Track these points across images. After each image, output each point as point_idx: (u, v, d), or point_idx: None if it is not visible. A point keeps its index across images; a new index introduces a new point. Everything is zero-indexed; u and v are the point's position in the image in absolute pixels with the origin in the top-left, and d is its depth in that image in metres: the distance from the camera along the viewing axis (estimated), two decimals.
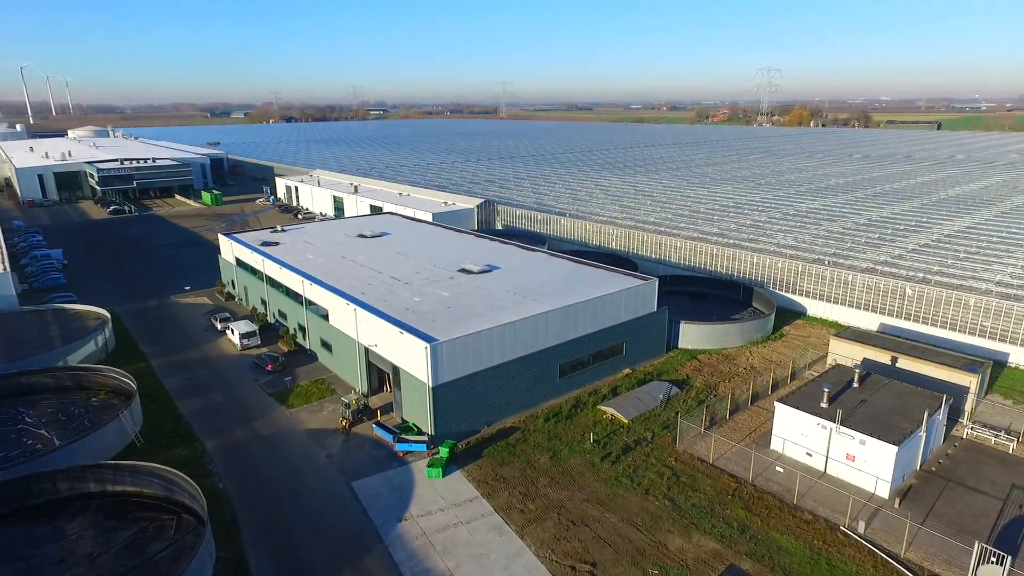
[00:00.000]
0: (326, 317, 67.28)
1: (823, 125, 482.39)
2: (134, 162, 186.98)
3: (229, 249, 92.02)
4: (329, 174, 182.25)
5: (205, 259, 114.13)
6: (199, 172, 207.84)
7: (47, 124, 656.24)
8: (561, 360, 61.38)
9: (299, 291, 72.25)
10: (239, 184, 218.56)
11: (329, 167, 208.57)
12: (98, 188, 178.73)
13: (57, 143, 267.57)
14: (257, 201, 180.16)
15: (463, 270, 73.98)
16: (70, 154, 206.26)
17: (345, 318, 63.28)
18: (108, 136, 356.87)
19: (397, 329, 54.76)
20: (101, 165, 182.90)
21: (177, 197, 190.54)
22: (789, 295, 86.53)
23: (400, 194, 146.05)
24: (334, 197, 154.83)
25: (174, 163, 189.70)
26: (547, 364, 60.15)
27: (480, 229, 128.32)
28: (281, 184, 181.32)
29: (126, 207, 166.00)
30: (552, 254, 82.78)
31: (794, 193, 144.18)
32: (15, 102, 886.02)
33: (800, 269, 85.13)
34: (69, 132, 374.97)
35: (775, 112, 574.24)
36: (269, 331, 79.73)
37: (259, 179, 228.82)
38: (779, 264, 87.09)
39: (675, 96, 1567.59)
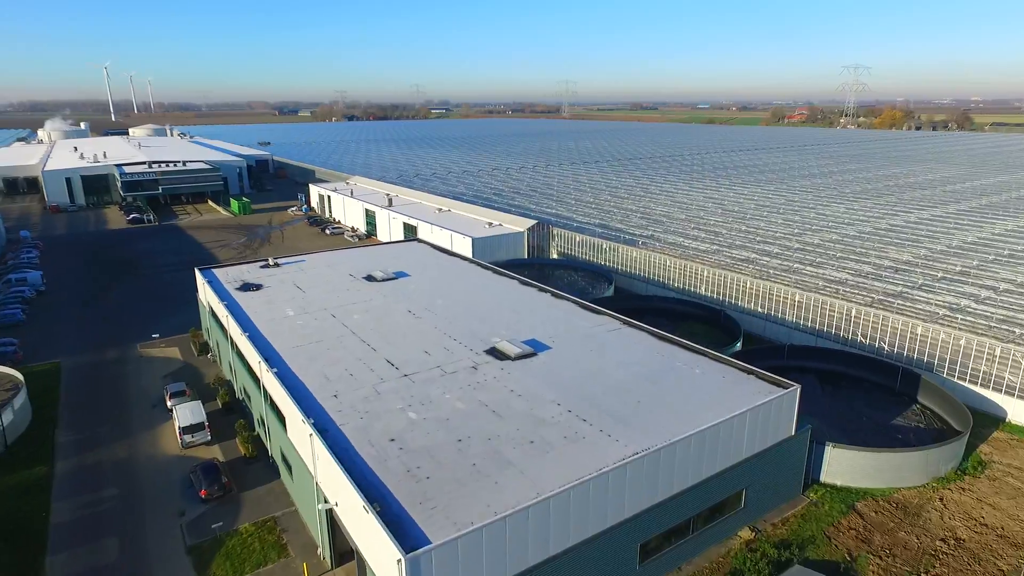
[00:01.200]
0: (284, 425, 44.28)
1: (917, 128, 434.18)
2: (163, 165, 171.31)
3: (203, 290, 70.79)
4: (367, 182, 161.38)
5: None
6: (234, 176, 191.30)
7: (128, 122, 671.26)
8: (644, 535, 36.36)
9: (258, 374, 49.61)
10: (278, 189, 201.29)
11: (371, 172, 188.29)
12: (122, 193, 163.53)
13: (102, 143, 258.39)
14: (289, 210, 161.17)
15: (494, 351, 49.62)
16: (105, 155, 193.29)
17: (302, 440, 40.06)
18: (165, 135, 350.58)
19: (360, 500, 30.88)
20: (128, 168, 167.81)
21: (210, 203, 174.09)
22: (974, 387, 58.31)
23: (440, 210, 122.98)
24: (366, 211, 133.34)
25: (206, 167, 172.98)
26: (620, 546, 35.24)
27: (531, 255, 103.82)
28: (315, 192, 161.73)
29: (146, 216, 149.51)
30: (625, 323, 57.19)
31: (951, 214, 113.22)
32: (100, 100, 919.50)
33: (997, 351, 56.80)
34: (130, 131, 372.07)
35: (860, 113, 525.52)
36: (234, 413, 57.73)
37: (300, 183, 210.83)
38: (961, 340, 58.89)
39: (744, 96, 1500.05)
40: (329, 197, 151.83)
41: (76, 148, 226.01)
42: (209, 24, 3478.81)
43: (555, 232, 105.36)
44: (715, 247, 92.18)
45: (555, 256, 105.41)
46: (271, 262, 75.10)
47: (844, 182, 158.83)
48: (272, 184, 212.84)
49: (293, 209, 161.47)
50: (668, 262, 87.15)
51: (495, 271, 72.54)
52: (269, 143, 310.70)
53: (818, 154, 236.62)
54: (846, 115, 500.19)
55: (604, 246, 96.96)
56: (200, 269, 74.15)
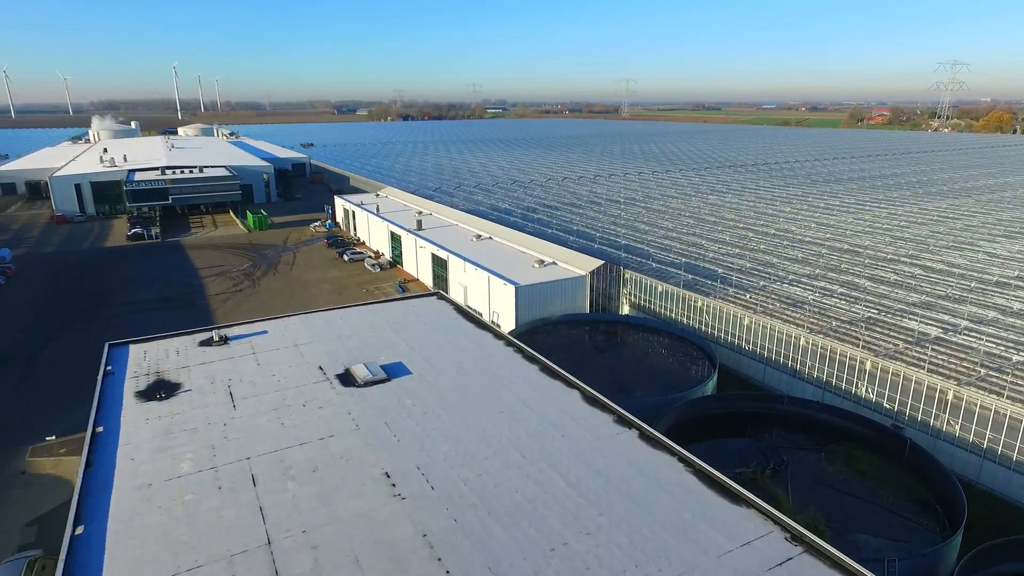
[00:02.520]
0: None
1: None
2: (177, 172, 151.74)
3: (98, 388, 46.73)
4: (399, 195, 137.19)
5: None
6: (259, 183, 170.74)
7: (192, 120, 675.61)
8: None
9: None
10: (308, 197, 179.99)
11: (408, 179, 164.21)
12: (129, 203, 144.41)
13: (136, 144, 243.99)
14: (311, 226, 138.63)
15: None
16: (125, 159, 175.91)
17: None
18: (212, 135, 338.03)
19: None
20: (138, 175, 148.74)
21: (231, 215, 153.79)
22: None
23: (478, 236, 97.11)
24: (391, 234, 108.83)
25: (223, 174, 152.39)
26: None
27: (596, 307, 76.79)
28: (340, 206, 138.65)
29: (147, 231, 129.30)
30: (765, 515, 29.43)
31: None
32: (167, 99, 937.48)
33: None
34: (179, 130, 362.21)
35: (953, 115, 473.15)
36: None
37: (334, 191, 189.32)
38: None
39: (813, 95, 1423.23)
40: (354, 213, 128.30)
41: (105, 150, 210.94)
42: (276, 25, 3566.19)
43: (627, 276, 77.93)
44: (871, 310, 63.06)
45: (627, 310, 77.99)
46: (216, 337, 50.53)
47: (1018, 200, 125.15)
48: (303, 191, 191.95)
49: (316, 225, 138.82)
50: (797, 337, 58.75)
51: (546, 369, 45.67)
52: (312, 144, 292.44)
53: (944, 163, 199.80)
54: (939, 117, 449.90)
55: (698, 303, 69.02)
56: (112, 346, 50.31)
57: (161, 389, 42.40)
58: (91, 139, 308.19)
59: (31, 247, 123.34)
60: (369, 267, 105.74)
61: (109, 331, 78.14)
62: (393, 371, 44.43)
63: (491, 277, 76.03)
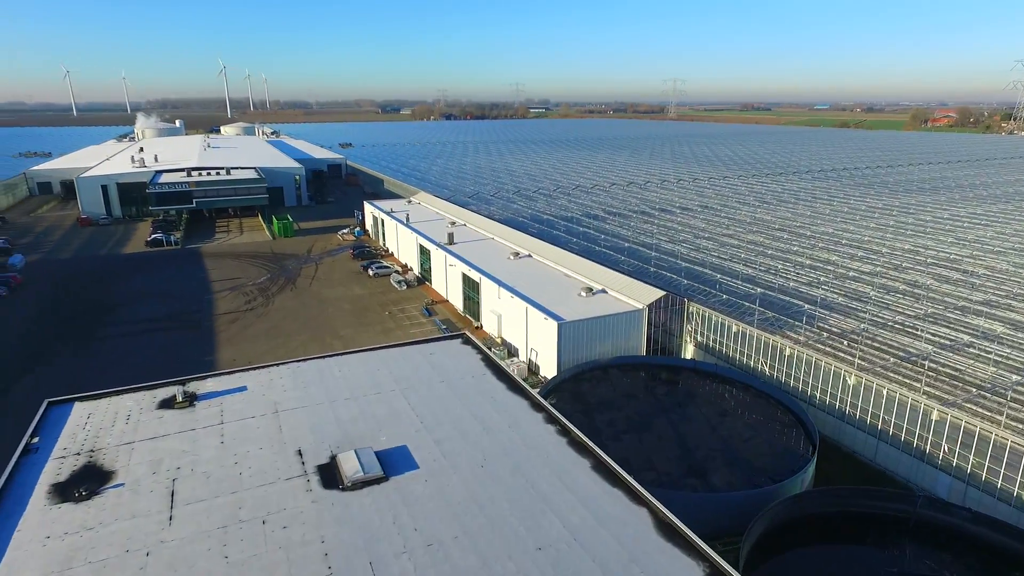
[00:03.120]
0: None
1: None
2: (202, 174, 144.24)
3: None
4: (432, 201, 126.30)
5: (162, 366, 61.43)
6: (290, 185, 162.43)
7: (242, 119, 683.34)
8: None
9: None
10: (341, 200, 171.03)
11: (445, 183, 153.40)
12: (152, 207, 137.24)
13: (172, 143, 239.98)
14: (339, 233, 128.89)
15: None
16: (156, 159, 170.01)
17: None
18: (253, 134, 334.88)
19: None
20: (163, 177, 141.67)
21: (260, 219, 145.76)
22: None
23: (517, 255, 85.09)
24: (420, 247, 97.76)
25: (250, 177, 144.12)
26: None
27: (654, 347, 64.16)
28: (369, 213, 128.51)
29: (167, 237, 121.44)
30: None
31: None
32: (220, 98, 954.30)
33: None
34: (222, 129, 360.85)
35: None
36: None
37: (368, 193, 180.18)
38: None
39: (869, 96, 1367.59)
40: (383, 221, 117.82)
41: (141, 149, 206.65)
42: (325, 25, 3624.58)
43: (691, 308, 64.84)
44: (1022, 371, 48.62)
45: (691, 351, 64.89)
46: (180, 396, 39.80)
47: None
48: (337, 194, 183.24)
49: (343, 232, 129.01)
50: (926, 411, 44.89)
51: (600, 468, 33.13)
52: (350, 144, 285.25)
53: None
54: (1015, 118, 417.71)
55: (781, 348, 55.59)
56: (51, 404, 40.11)
57: (86, 481, 31.70)
58: (136, 137, 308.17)
59: (48, 252, 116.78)
60: (395, 284, 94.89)
61: (99, 358, 69.19)
62: (393, 463, 32.80)
63: (530, 308, 63.96)
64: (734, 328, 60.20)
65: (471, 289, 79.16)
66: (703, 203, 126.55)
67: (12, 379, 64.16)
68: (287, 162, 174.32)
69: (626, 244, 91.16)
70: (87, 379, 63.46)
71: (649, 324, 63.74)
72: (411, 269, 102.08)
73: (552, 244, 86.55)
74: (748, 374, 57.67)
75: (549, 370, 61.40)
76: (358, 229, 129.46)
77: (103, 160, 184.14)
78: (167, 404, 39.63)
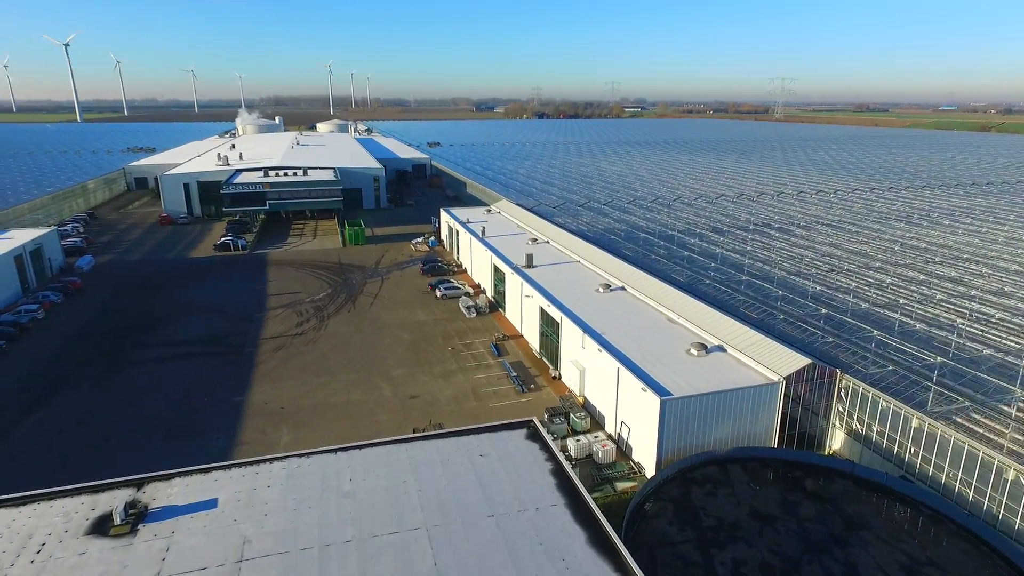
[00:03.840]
0: None
1: None
2: (279, 174, 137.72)
3: None
4: (514, 210, 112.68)
5: (181, 409, 51.96)
6: (369, 187, 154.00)
7: (343, 116, 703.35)
8: None
9: None
10: (421, 204, 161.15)
11: (531, 189, 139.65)
12: (225, 207, 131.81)
13: (263, 140, 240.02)
14: (412, 243, 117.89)
15: None
16: (241, 156, 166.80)
17: None
18: (347, 131, 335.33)
19: None
20: (240, 177, 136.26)
21: (335, 222, 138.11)
22: None
23: (607, 287, 69.74)
24: (495, 268, 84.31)
25: (326, 179, 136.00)
26: None
27: (791, 434, 47.32)
28: (445, 222, 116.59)
29: (236, 240, 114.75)
30: None
31: None
32: (323, 96, 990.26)
33: None
34: (318, 126, 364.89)
35: None
36: None
37: (450, 198, 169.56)
38: None
39: (1003, 95, 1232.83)
40: (458, 232, 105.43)
41: (233, 147, 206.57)
42: (428, 24, 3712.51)
43: (844, 384, 47.31)
44: None
45: (840, 442, 47.42)
46: (118, 518, 27.99)
47: None
48: (419, 196, 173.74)
49: (417, 242, 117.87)
50: None
51: None
52: (438, 144, 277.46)
53: None
54: None
55: (1004, 471, 37.43)
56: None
57: None
58: (236, 134, 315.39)
59: (120, 252, 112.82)
60: (464, 309, 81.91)
61: (119, 392, 60.32)
62: None
63: (622, 369, 48.77)
64: (912, 422, 42.40)
65: (550, 328, 64.76)
66: (832, 220, 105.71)
67: (20, 415, 56.01)
68: (368, 162, 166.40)
69: (742, 276, 73.69)
70: (93, 425, 54.35)
71: (784, 394, 46.91)
72: (483, 291, 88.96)
73: (650, 274, 70.49)
74: (937, 493, 39.91)
75: (646, 456, 46.09)
76: (432, 239, 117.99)
77: (193, 157, 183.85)
78: (101, 526, 27.80)
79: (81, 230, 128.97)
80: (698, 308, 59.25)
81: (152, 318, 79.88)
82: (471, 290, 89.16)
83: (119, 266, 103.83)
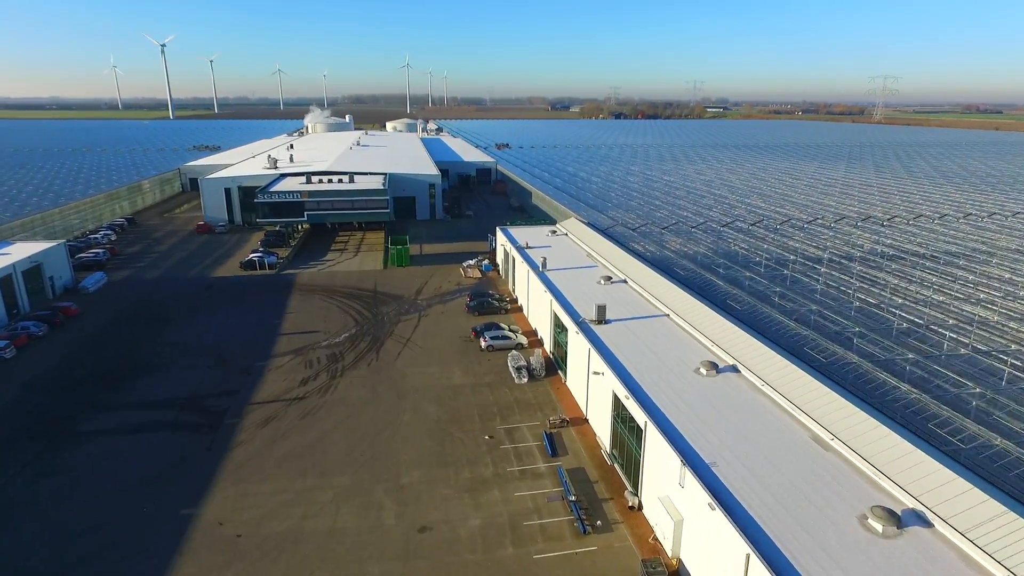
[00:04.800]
0: None
1: None
2: (322, 181, 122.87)
3: None
4: (584, 233, 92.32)
5: (89, 539, 35.41)
6: (424, 195, 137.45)
7: (420, 114, 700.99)
8: None
9: None
10: (481, 216, 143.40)
11: (607, 200, 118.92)
12: (258, 219, 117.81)
13: (324, 140, 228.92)
14: (463, 266, 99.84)
15: None
16: (291, 159, 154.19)
17: None
18: (416, 131, 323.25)
19: None
20: (278, 184, 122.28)
21: (383, 235, 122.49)
22: None
23: (713, 367, 48.59)
24: (555, 317, 64.54)
25: (372, 188, 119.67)
26: None
27: None
28: (501, 243, 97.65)
29: (265, 257, 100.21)
30: None
31: None
32: (401, 94, 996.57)
33: None
34: (388, 125, 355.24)
35: None
36: None
37: (514, 209, 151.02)
38: None
39: None
40: (514, 259, 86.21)
41: (290, 146, 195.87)
42: (504, 21, 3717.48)
43: None
44: None
45: None
46: None
47: None
48: (479, 205, 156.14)
49: (468, 264, 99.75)
50: None
51: None
52: (507, 145, 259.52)
53: None
54: None
55: None
56: None
57: None
58: (304, 132, 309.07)
59: (140, 268, 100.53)
60: (513, 370, 62.72)
61: (43, 491, 44.69)
62: None
63: (752, 556, 28.11)
64: None
65: (628, 430, 44.58)
66: (1006, 256, 79.61)
67: None
68: (425, 168, 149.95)
69: (907, 355, 50.85)
70: None
71: None
72: (541, 342, 69.54)
73: (773, 347, 48.92)
74: None
75: None
76: (486, 263, 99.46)
77: (247, 158, 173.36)
78: None
79: (113, 238, 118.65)
80: (862, 423, 37.56)
81: (135, 364, 65.07)
82: (524, 339, 69.81)
83: (131, 287, 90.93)
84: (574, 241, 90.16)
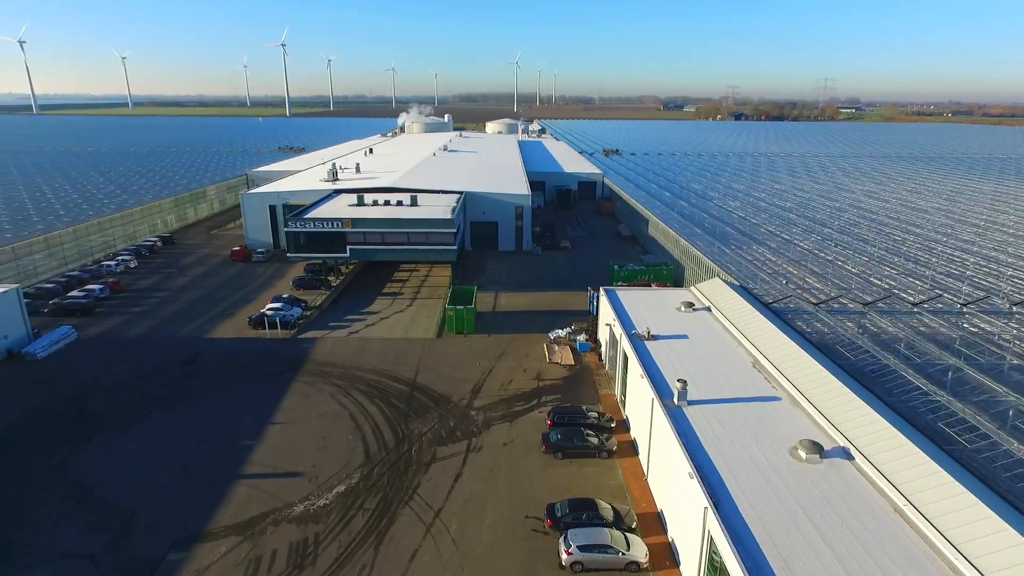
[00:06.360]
0: None
1: None
2: (378, 201, 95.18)
3: None
4: (738, 309, 57.04)
5: None
6: (509, 220, 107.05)
7: (530, 113, 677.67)
8: None
9: None
10: (582, 245, 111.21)
11: (758, 256, 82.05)
12: (289, 254, 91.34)
13: (407, 144, 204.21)
14: (550, 340, 68.32)
15: None
16: (358, 168, 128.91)
17: None
18: (516, 132, 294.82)
19: None
20: (317, 208, 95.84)
21: (448, 275, 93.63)
22: None
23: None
24: (708, 532, 30.99)
25: (435, 217, 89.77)
26: None
27: None
28: (605, 313, 64.41)
29: (286, 310, 73.32)
30: None
31: None
32: (508, 93, 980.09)
33: None
34: (487, 126, 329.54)
35: None
36: None
37: (625, 239, 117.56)
38: None
39: None
40: (626, 355, 52.85)
41: (370, 151, 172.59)
42: (618, 19, 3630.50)
43: None
44: None
45: None
46: None
47: None
48: (577, 232, 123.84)
49: (558, 338, 68.12)
50: None
51: None
52: (617, 151, 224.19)
53: None
54: None
55: None
56: None
57: None
58: (398, 132, 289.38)
59: (132, 317, 77.02)
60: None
61: None
62: None
63: None
64: None
65: None
66: None
67: None
68: (515, 184, 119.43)
69: None
70: None
71: None
72: (675, 555, 36.47)
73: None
74: None
75: None
76: (582, 340, 67.04)
77: (316, 165, 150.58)
78: None
79: (132, 265, 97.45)
80: None
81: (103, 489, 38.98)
82: (643, 551, 36.92)
83: (96, 351, 66.79)
84: (726, 328, 55.78)
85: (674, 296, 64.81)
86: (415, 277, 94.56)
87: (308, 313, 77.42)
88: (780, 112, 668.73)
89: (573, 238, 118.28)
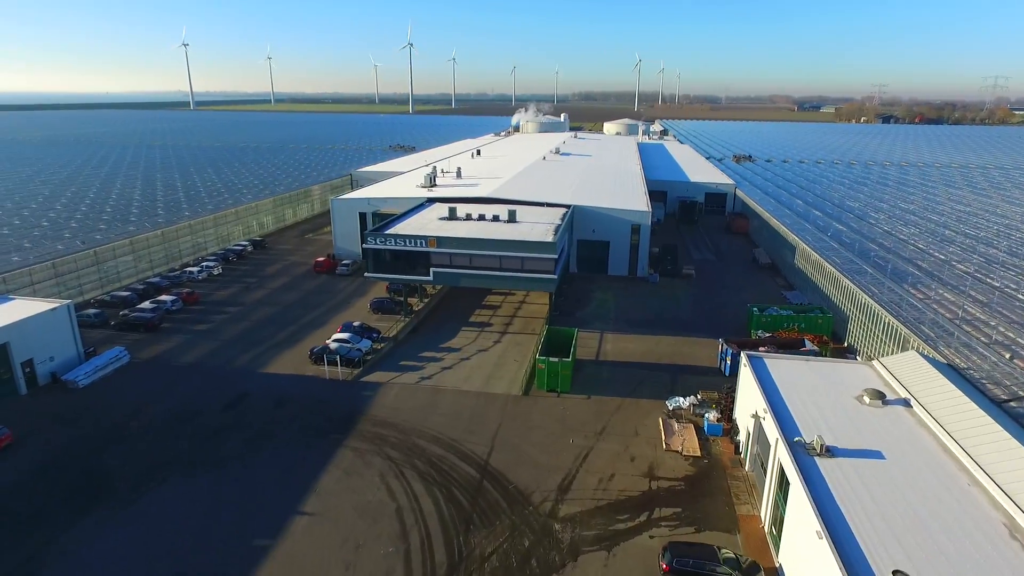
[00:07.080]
0: None
1: None
2: (471, 216, 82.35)
3: None
4: (951, 408, 37.86)
5: None
6: (622, 240, 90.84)
7: (651, 113, 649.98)
8: None
9: None
10: (708, 271, 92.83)
11: (952, 307, 60.40)
12: (367, 274, 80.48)
13: (519, 144, 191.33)
14: (667, 417, 52.13)
15: None
16: (459, 173, 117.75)
17: None
18: (636, 133, 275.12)
19: None
20: (403, 221, 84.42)
21: (547, 306, 79.18)
22: None
23: None
24: None
25: (533, 240, 75.02)
26: None
27: None
28: (747, 387, 47.09)
29: (346, 346, 62.35)
30: None
31: None
32: (632, 91, 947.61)
33: None
34: (605, 126, 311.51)
35: None
36: None
37: (763, 267, 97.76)
38: None
39: None
40: (784, 472, 35.85)
41: (478, 152, 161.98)
42: (744, 15, 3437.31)
43: None
44: None
45: None
46: None
47: None
48: (703, 255, 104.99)
49: (679, 409, 51.77)
50: None
51: None
52: (749, 157, 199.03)
53: None
54: None
55: None
56: None
57: None
58: (513, 131, 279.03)
59: (192, 337, 69.54)
60: None
61: None
62: None
63: None
64: None
65: None
66: None
67: None
68: (631, 197, 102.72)
69: None
70: None
71: None
72: None
73: None
74: None
75: None
76: (712, 420, 50.09)
77: (420, 166, 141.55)
78: None
79: (215, 272, 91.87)
80: None
81: None
82: None
83: (140, 380, 59.01)
84: (943, 443, 36.93)
85: (851, 375, 46.27)
86: (508, 304, 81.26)
87: (379, 346, 66.16)
88: (938, 114, 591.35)
89: (698, 262, 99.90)
